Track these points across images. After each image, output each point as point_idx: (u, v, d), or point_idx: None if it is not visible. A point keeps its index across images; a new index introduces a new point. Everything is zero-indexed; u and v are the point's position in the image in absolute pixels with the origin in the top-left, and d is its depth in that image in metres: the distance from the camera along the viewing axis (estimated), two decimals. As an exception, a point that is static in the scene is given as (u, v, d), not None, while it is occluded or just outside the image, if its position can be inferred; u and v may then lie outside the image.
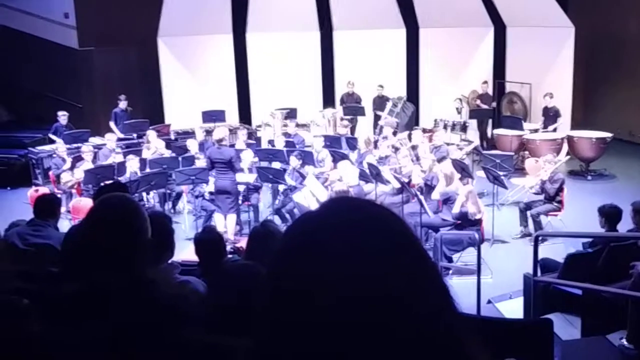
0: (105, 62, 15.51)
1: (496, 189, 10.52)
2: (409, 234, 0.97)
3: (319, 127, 14.88)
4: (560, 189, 9.89)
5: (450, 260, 8.72)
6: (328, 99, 16.33)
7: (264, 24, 15.71)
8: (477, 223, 8.96)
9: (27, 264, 4.81)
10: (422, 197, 9.22)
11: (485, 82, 15.42)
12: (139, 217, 2.40)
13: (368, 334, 0.87)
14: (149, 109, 15.37)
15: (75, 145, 12.67)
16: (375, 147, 12.02)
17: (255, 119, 15.93)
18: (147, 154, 12.01)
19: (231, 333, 2.11)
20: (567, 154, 12.77)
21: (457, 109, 14.99)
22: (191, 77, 15.89)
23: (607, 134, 13.18)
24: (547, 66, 15.10)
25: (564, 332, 5.86)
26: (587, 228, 8.33)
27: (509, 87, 16.05)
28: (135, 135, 13.79)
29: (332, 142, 12.36)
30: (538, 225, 9.65)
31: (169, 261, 3.50)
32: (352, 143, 12.47)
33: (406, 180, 10.08)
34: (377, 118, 15.11)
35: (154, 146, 12.26)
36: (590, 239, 7.25)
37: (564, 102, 14.47)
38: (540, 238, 6.86)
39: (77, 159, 11.82)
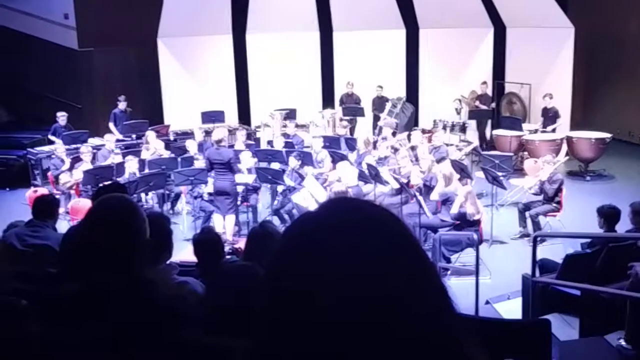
0: (105, 63, 15.51)
1: (495, 189, 10.52)
2: (408, 234, 0.97)
3: (318, 127, 14.87)
4: (559, 190, 9.90)
5: (448, 260, 8.73)
6: (327, 100, 16.33)
7: (264, 25, 15.71)
8: (476, 224, 8.96)
9: (25, 265, 4.80)
10: (421, 198, 9.22)
11: (485, 83, 15.42)
12: (137, 217, 2.40)
13: (367, 334, 0.87)
14: (149, 109, 15.38)
15: (74, 146, 12.66)
16: (375, 147, 12.02)
17: (255, 119, 15.93)
18: (146, 155, 12.00)
19: (229, 334, 2.11)
20: (566, 154, 12.77)
21: (456, 109, 14.99)
22: (191, 78, 15.89)
23: (606, 135, 13.18)
24: (546, 67, 15.11)
25: (562, 333, 5.86)
26: (585, 229, 8.33)
27: (508, 88, 16.06)
28: (134, 136, 13.79)
29: (331, 143, 12.36)
30: (537, 225, 9.66)
31: (168, 262, 3.50)
32: (351, 144, 12.47)
33: (405, 180, 10.09)
34: (376, 119, 15.11)
35: (153, 147, 12.26)
36: (588, 240, 7.26)
37: (564, 103, 14.48)
38: (538, 238, 6.86)
39: (76, 159, 11.81)
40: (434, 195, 9.56)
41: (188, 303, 2.51)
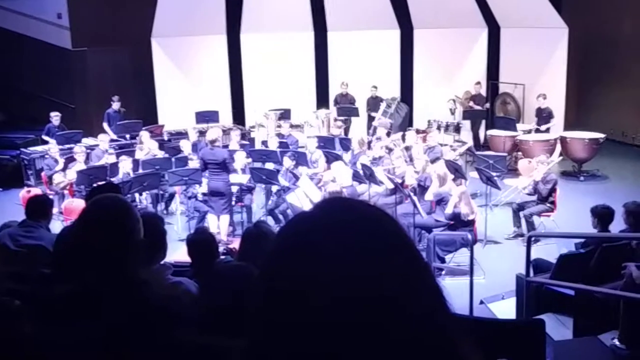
0: (99, 63, 15.47)
1: (489, 189, 10.54)
2: (403, 234, 0.97)
3: (312, 127, 14.89)
4: (553, 190, 9.92)
5: (443, 260, 8.73)
6: (322, 100, 16.33)
7: (258, 25, 15.71)
8: (470, 224, 8.97)
9: (19, 265, 4.79)
10: (415, 198, 9.23)
11: (479, 83, 15.45)
12: (131, 218, 2.39)
13: (362, 334, 0.87)
14: (142, 109, 15.35)
15: (67, 146, 12.63)
16: (369, 147, 12.03)
17: (249, 119, 15.92)
18: (140, 155, 11.97)
19: (224, 334, 2.10)
20: (560, 154, 12.81)
21: (450, 109, 15.02)
22: (185, 78, 15.87)
23: (600, 135, 13.22)
24: (540, 67, 15.14)
25: (556, 333, 5.87)
26: (579, 229, 8.35)
27: (502, 88, 16.09)
28: (128, 136, 13.77)
29: (325, 143, 12.36)
30: (531, 225, 9.68)
31: (162, 262, 3.50)
32: (345, 144, 12.47)
33: (399, 181, 10.09)
34: (370, 119, 15.13)
35: (147, 147, 12.23)
36: (582, 240, 7.28)
37: (557, 103, 14.52)
38: (533, 238, 6.87)
39: (70, 159, 11.78)
40: (429, 196, 9.57)
41: (182, 303, 2.51)
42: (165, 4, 15.00)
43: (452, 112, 15.03)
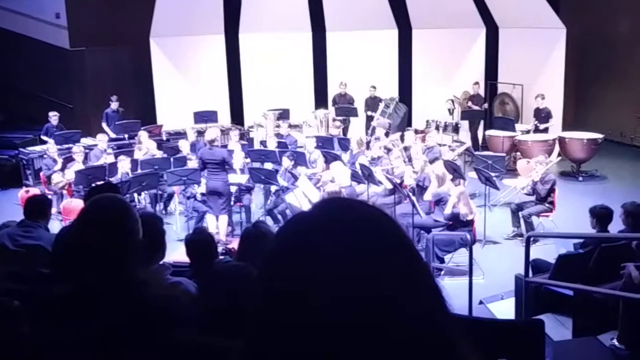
0: (97, 63, 15.47)
1: (488, 189, 10.55)
2: (402, 234, 0.97)
3: (311, 127, 14.89)
4: (551, 190, 9.92)
5: (442, 261, 8.73)
6: (320, 100, 16.33)
7: (256, 25, 15.71)
8: (469, 224, 8.98)
9: (17, 265, 4.78)
10: (414, 198, 9.23)
11: (477, 83, 15.45)
12: (130, 218, 2.39)
13: (361, 334, 0.87)
14: (141, 109, 15.34)
15: (66, 145, 12.62)
16: (368, 148, 12.04)
17: (248, 119, 15.92)
18: (138, 155, 11.97)
19: (223, 334, 2.10)
20: (559, 155, 12.82)
21: (449, 110, 15.02)
22: (183, 78, 15.87)
23: (598, 135, 13.23)
24: (538, 67, 15.15)
25: (556, 333, 5.88)
26: (578, 229, 8.35)
27: (500, 88, 16.09)
28: (126, 136, 13.76)
29: (324, 143, 12.36)
30: (529, 226, 9.68)
31: (160, 262, 3.49)
32: (344, 144, 12.47)
33: (398, 181, 10.09)
34: (369, 119, 15.12)
35: (146, 147, 12.23)
36: (581, 240, 7.28)
37: (556, 103, 14.52)
38: (531, 239, 6.87)
39: (68, 159, 11.77)
40: (427, 196, 9.58)
41: (181, 303, 2.51)
42: (163, 3, 14.99)
43: (451, 112, 15.04)
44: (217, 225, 9.95)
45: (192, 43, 15.63)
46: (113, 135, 13.67)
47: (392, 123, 14.79)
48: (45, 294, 2.55)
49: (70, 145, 12.46)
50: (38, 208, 5.89)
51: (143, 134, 12.63)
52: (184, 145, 12.15)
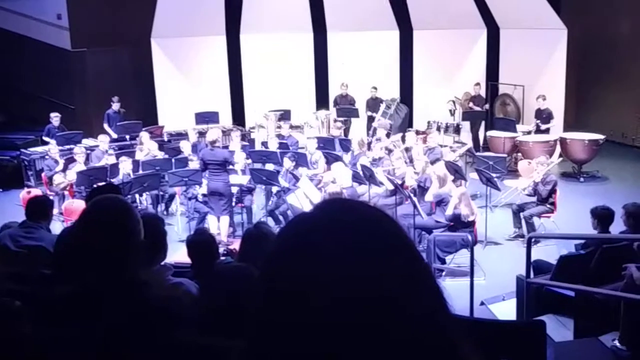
0: (98, 63, 15.48)
1: (489, 190, 10.54)
2: (403, 235, 0.97)
3: (312, 128, 14.89)
4: (552, 191, 9.92)
5: (443, 261, 8.73)
6: (321, 101, 16.33)
7: (258, 26, 15.71)
8: (470, 225, 8.97)
9: (19, 266, 4.79)
10: (415, 199, 9.23)
11: (478, 84, 15.44)
12: (131, 218, 2.39)
13: (362, 335, 0.87)
14: (142, 110, 15.35)
15: (67, 146, 12.63)
16: (369, 148, 12.04)
17: (249, 120, 15.93)
18: (140, 156, 11.98)
19: (224, 334, 2.10)
20: (560, 155, 12.81)
21: (450, 111, 15.02)
22: (184, 79, 15.87)
23: (599, 136, 13.22)
24: (539, 68, 15.14)
25: (557, 334, 5.88)
26: (579, 230, 8.35)
27: (501, 89, 16.08)
28: (128, 136, 13.77)
29: (325, 144, 12.36)
30: (531, 227, 9.67)
31: (162, 263, 3.50)
32: (345, 145, 12.47)
33: (399, 182, 10.09)
34: (370, 120, 15.13)
35: (147, 148, 12.24)
36: (582, 241, 7.28)
37: (557, 104, 14.51)
38: (533, 240, 6.87)
39: (70, 160, 11.78)
40: (428, 197, 9.58)
41: (182, 304, 2.50)
42: (164, 4, 15.00)
43: (452, 113, 15.04)
44: (218, 226, 9.95)
45: (194, 44, 15.63)
46: (114, 136, 13.69)
47: (393, 124, 14.79)
48: (46, 295, 2.55)
49: (72, 146, 12.46)
50: (40, 209, 5.90)
51: (144, 135, 12.64)
52: (185, 146, 12.16)
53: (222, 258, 5.41)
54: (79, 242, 2.44)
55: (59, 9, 15.08)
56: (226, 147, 11.83)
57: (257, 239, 4.24)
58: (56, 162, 11.81)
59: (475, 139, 15.08)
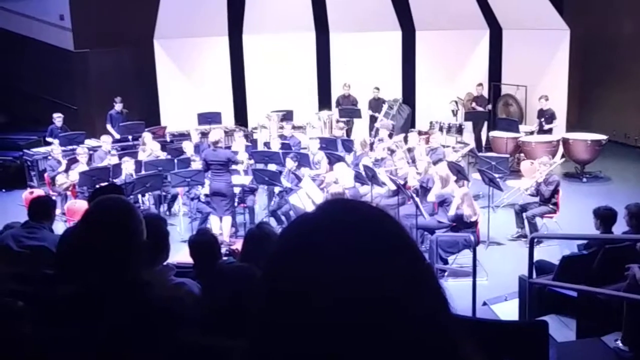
0: (101, 64, 15.50)
1: (492, 191, 10.53)
2: (405, 235, 0.97)
3: (314, 129, 14.88)
4: (555, 191, 9.91)
5: (445, 262, 8.73)
6: (324, 101, 16.34)
7: (260, 26, 15.72)
8: (473, 225, 8.96)
9: (21, 266, 4.79)
10: (417, 199, 9.23)
11: (481, 85, 15.44)
12: (134, 219, 2.39)
13: (364, 335, 0.87)
14: (145, 111, 15.37)
15: (70, 147, 12.65)
16: (371, 149, 12.02)
17: (251, 121, 15.93)
18: (142, 156, 11.99)
19: (226, 334, 2.10)
20: (562, 156, 12.80)
21: (452, 111, 15.01)
22: (187, 79, 15.89)
23: (602, 136, 13.20)
24: (542, 68, 15.13)
25: (559, 334, 5.87)
26: (582, 230, 8.34)
27: (504, 90, 16.07)
28: (130, 137, 13.79)
29: (328, 144, 12.36)
30: (533, 227, 9.67)
31: (164, 263, 3.50)
32: (348, 145, 12.47)
33: (402, 182, 10.09)
34: (373, 120, 15.13)
35: (150, 148, 12.24)
36: (585, 241, 7.27)
37: (559, 105, 14.49)
38: (535, 240, 6.86)
39: (72, 161, 11.79)
40: (431, 197, 9.57)
41: (185, 304, 2.51)
42: (167, 5, 15.01)
43: (454, 114, 15.03)
44: (220, 226, 9.96)
45: (196, 44, 15.65)
46: (117, 137, 13.71)
47: (395, 124, 14.78)
48: (49, 295, 2.55)
49: (75, 146, 12.47)
50: (42, 209, 5.90)
51: (147, 136, 12.65)
52: (187, 147, 12.16)
53: (225, 258, 5.42)
54: (81, 242, 2.44)
55: (61, 9, 15.10)
56: (228, 147, 11.83)
57: (259, 239, 4.24)
58: (59, 162, 11.83)
59: (477, 139, 15.07)
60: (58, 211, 8.96)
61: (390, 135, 13.08)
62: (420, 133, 13.43)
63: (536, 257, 6.65)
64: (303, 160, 11.15)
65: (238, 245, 7.39)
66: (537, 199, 10.06)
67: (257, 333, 0.93)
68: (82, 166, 11.27)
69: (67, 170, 11.53)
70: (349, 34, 16.06)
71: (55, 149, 12.31)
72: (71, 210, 9.93)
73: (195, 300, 3.21)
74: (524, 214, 9.86)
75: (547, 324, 4.24)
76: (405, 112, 15.68)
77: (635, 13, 14.99)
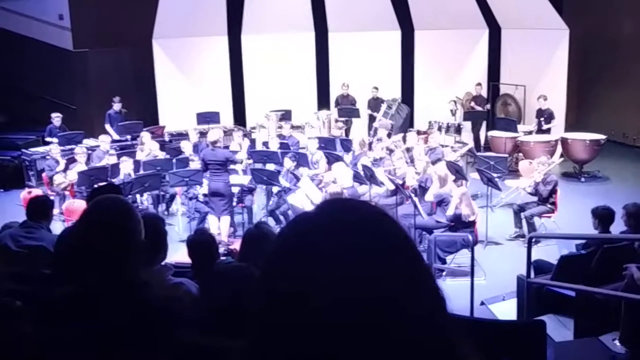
0: (100, 64, 15.49)
1: (490, 190, 10.53)
2: (403, 235, 0.97)
3: (313, 128, 14.88)
4: (553, 191, 9.92)
5: (443, 261, 8.73)
6: (323, 101, 16.33)
7: (259, 26, 15.71)
8: (471, 225, 8.97)
9: (20, 266, 4.79)
10: (416, 199, 9.23)
11: (480, 84, 15.44)
12: (132, 218, 2.39)
13: (362, 335, 0.87)
14: (143, 110, 15.36)
15: (69, 146, 12.64)
16: (370, 149, 12.03)
17: (250, 120, 15.93)
18: (141, 156, 11.98)
19: (225, 334, 2.11)
20: (561, 156, 12.81)
21: (451, 111, 15.01)
22: (186, 79, 15.88)
23: (600, 136, 13.21)
24: (541, 68, 15.13)
25: (557, 334, 5.87)
26: (580, 230, 8.34)
27: (503, 89, 16.08)
28: (129, 137, 13.78)
29: (326, 144, 12.36)
30: (532, 226, 9.67)
31: (162, 263, 3.50)
32: (346, 145, 12.47)
33: (400, 182, 10.09)
34: (371, 120, 15.13)
35: (148, 148, 12.24)
36: (583, 241, 7.28)
37: (558, 104, 14.50)
38: (533, 240, 6.87)
39: (71, 160, 11.78)
40: (429, 197, 9.57)
41: (183, 304, 2.51)
42: (166, 5, 15.01)
43: (453, 113, 15.03)
44: (218, 226, 9.95)
45: (195, 44, 15.64)
46: (116, 137, 13.70)
47: (394, 124, 14.78)
48: (47, 295, 2.55)
49: (73, 146, 12.46)
50: (40, 209, 5.90)
51: (145, 135, 12.64)
52: (186, 147, 12.16)
53: (223, 258, 5.42)
54: (79, 242, 2.44)
55: (60, 9, 15.09)
56: (227, 147, 11.82)
57: (257, 239, 4.24)
58: (57, 162, 11.81)
59: (476, 139, 15.08)
60: (56, 211, 8.97)
61: (389, 135, 13.09)
62: (419, 133, 13.44)
63: (534, 257, 6.65)
64: (302, 159, 11.15)
65: (236, 245, 7.38)
66: (535, 199, 10.07)
67: (255, 333, 0.93)
68: (80, 166, 11.26)
69: (65, 170, 11.52)
70: (347, 33, 16.06)
71: (53, 148, 12.29)
72: (69, 210, 9.92)
73: (193, 300, 3.21)
74: (522, 214, 9.87)
75: (545, 324, 4.24)
76: (404, 111, 15.67)
77: (635, 13, 15.00)
